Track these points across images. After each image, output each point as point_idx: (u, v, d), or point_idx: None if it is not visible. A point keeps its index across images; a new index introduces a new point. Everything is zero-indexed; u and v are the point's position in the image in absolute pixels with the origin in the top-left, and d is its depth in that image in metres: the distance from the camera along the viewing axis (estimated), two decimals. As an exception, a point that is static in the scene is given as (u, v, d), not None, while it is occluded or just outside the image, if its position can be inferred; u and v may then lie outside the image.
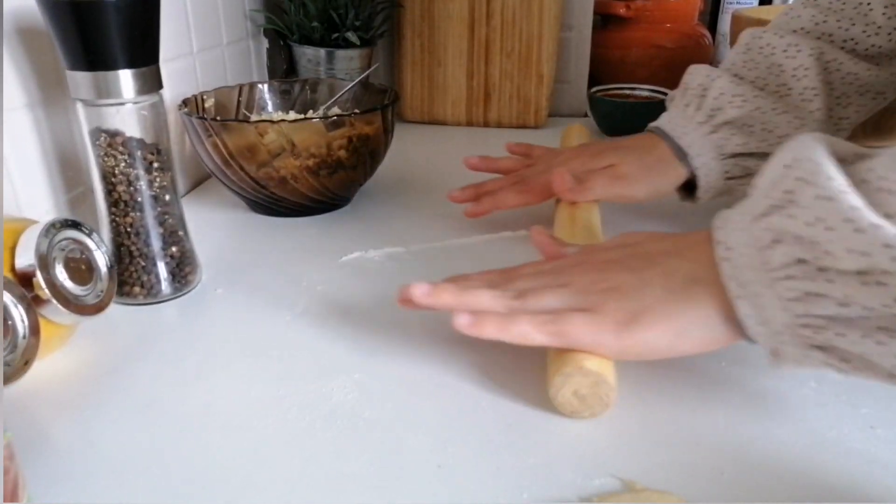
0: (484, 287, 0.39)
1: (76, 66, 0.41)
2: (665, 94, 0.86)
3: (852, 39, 0.52)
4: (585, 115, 0.94)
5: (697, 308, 0.34)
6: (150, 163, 0.45)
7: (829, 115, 0.52)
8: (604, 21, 1.07)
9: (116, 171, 0.45)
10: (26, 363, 0.35)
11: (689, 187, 0.56)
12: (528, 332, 0.36)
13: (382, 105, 0.60)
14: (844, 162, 0.30)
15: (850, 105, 0.53)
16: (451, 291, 0.38)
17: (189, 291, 0.49)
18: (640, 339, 0.35)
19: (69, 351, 0.42)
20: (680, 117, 0.56)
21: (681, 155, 0.54)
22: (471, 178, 0.71)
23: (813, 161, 0.29)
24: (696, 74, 0.57)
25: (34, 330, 0.35)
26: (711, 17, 1.15)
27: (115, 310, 0.46)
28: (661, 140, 0.56)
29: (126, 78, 0.42)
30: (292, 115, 0.67)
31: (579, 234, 0.51)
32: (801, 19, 0.54)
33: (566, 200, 0.55)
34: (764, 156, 0.53)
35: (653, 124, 0.58)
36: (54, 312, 0.38)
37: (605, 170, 0.56)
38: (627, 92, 0.89)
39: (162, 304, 0.48)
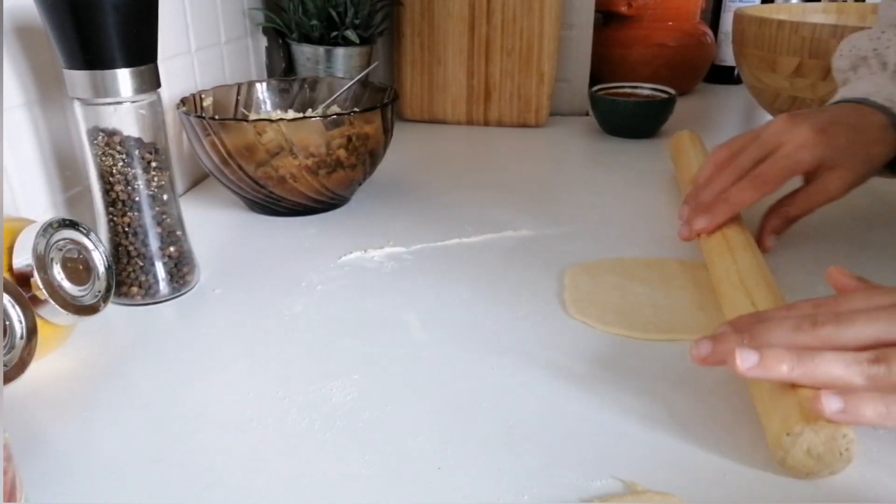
0: (826, 349, 0.31)
1: (73, 64, 0.41)
2: (667, 92, 0.86)
3: None
4: (586, 114, 0.94)
5: None
6: (148, 162, 0.45)
7: None
8: (605, 19, 1.07)
9: (114, 171, 0.44)
10: (24, 363, 0.35)
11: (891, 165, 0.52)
12: (874, 418, 0.29)
13: (382, 104, 0.60)
14: None
15: None
16: (787, 359, 0.30)
17: (187, 291, 0.49)
18: None
19: (67, 351, 0.42)
20: (890, 85, 0.51)
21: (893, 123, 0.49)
22: (472, 176, 0.71)
23: None
24: (885, 40, 0.54)
25: (32, 330, 0.35)
26: (713, 15, 1.15)
27: (113, 310, 0.46)
28: (870, 110, 0.50)
29: (124, 77, 0.42)
30: (291, 114, 0.66)
31: (739, 254, 0.46)
32: None
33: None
34: None
35: (847, 95, 0.53)
36: (52, 313, 0.37)
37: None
38: (629, 90, 0.89)
39: (160, 304, 0.48)
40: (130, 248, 0.46)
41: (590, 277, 0.50)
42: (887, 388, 0.29)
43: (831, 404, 0.29)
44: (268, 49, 0.85)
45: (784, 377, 0.30)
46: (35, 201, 0.49)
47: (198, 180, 0.72)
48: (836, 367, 0.30)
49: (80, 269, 0.40)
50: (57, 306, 0.37)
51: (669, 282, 0.49)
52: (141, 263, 0.47)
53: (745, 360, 0.30)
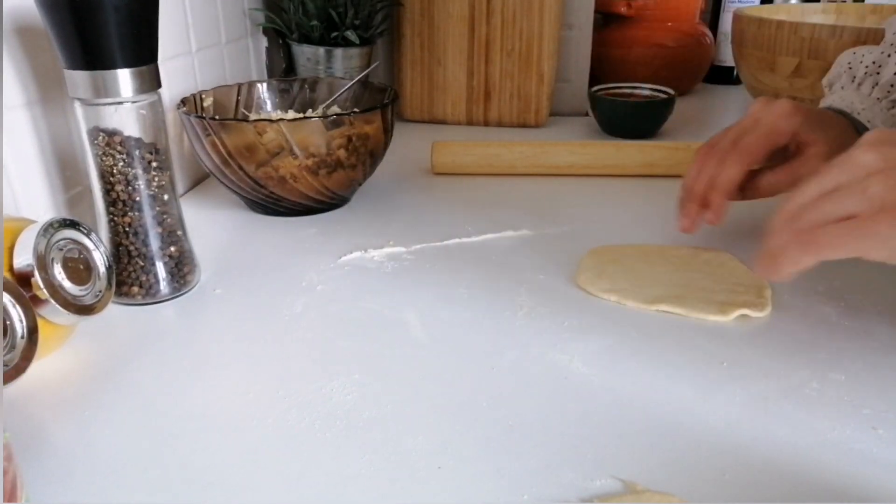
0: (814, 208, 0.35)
1: (74, 65, 0.41)
2: (667, 92, 0.86)
3: None
4: (586, 115, 0.94)
5: None
6: (149, 162, 0.45)
7: None
8: (605, 20, 1.07)
9: (115, 171, 0.44)
10: (24, 363, 0.35)
11: None
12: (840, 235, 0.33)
13: (382, 104, 0.60)
14: None
15: None
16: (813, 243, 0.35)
17: (188, 291, 0.49)
18: None
19: (67, 351, 0.42)
20: (854, 95, 0.54)
21: (863, 131, 0.51)
22: (472, 176, 0.71)
23: None
24: (860, 54, 0.56)
25: (32, 330, 0.35)
26: (713, 15, 1.15)
27: (114, 310, 0.46)
28: (837, 117, 0.52)
29: (124, 77, 0.42)
30: (291, 115, 0.66)
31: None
32: None
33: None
34: None
35: (826, 104, 0.56)
36: (52, 312, 0.37)
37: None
38: (629, 91, 0.89)
39: (160, 304, 0.48)
40: (131, 247, 0.46)
41: (603, 256, 0.53)
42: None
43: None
44: (268, 49, 0.85)
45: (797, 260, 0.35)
46: (36, 201, 0.49)
47: (198, 180, 0.72)
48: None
49: (80, 268, 0.40)
50: (58, 306, 0.37)
51: (686, 263, 0.52)
52: (141, 263, 0.47)
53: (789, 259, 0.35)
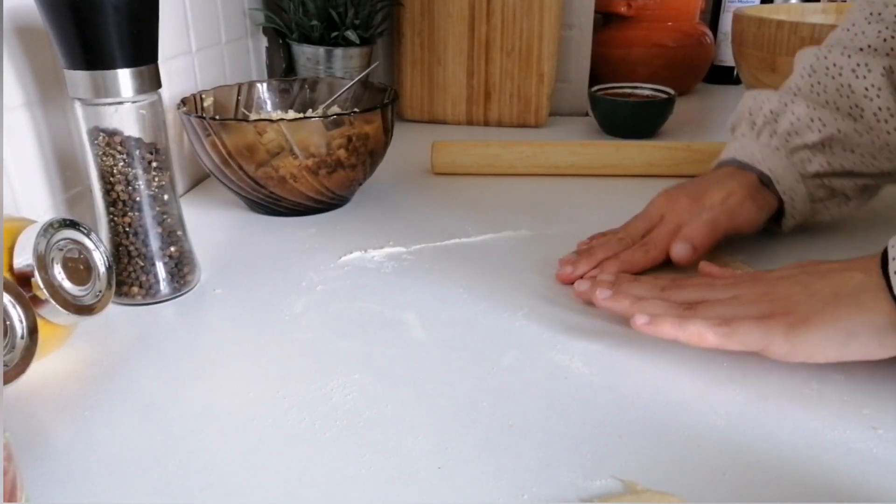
0: (657, 295, 0.43)
1: (74, 65, 0.41)
2: (667, 92, 0.86)
3: None
4: (586, 115, 0.94)
5: (867, 313, 0.36)
6: (149, 162, 0.45)
7: None
8: (605, 19, 1.07)
9: (115, 171, 0.44)
10: (24, 363, 0.35)
11: (774, 216, 0.55)
12: (702, 332, 0.38)
13: (382, 104, 0.60)
14: None
15: None
16: (629, 301, 0.42)
17: (188, 291, 0.49)
18: (810, 339, 0.36)
19: (67, 351, 0.42)
20: (753, 145, 0.55)
21: (766, 181, 0.53)
22: (472, 176, 0.71)
23: None
24: (760, 100, 0.56)
25: (32, 330, 0.35)
26: (713, 15, 1.15)
27: (114, 310, 0.46)
28: (741, 171, 0.54)
29: (124, 77, 0.42)
30: (291, 115, 0.66)
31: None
32: (866, 36, 0.52)
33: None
34: (850, 174, 0.53)
35: (724, 157, 0.57)
36: (52, 313, 0.37)
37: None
38: (629, 91, 0.89)
39: (160, 304, 0.48)
40: (131, 248, 0.46)
41: None
42: (679, 311, 0.40)
43: (640, 318, 0.40)
44: (268, 49, 0.85)
45: (625, 310, 0.42)
46: (36, 201, 0.49)
47: (198, 180, 0.72)
48: (659, 307, 0.41)
49: (80, 268, 0.40)
50: (57, 306, 0.37)
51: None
52: (141, 263, 0.47)
53: (603, 294, 0.44)
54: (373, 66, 0.73)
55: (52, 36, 0.41)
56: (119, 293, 0.47)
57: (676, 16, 1.05)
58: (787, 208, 0.53)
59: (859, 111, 0.51)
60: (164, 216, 0.47)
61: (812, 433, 0.35)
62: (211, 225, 0.61)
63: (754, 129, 0.56)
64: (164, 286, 0.48)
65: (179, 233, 0.48)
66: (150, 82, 0.44)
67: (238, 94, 0.66)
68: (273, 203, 0.61)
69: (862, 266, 0.38)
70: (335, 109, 0.67)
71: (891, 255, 0.36)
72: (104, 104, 0.43)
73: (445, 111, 0.92)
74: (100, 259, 0.42)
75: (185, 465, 0.33)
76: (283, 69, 0.88)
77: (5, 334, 0.34)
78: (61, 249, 0.39)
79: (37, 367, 0.36)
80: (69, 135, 0.52)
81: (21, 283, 0.36)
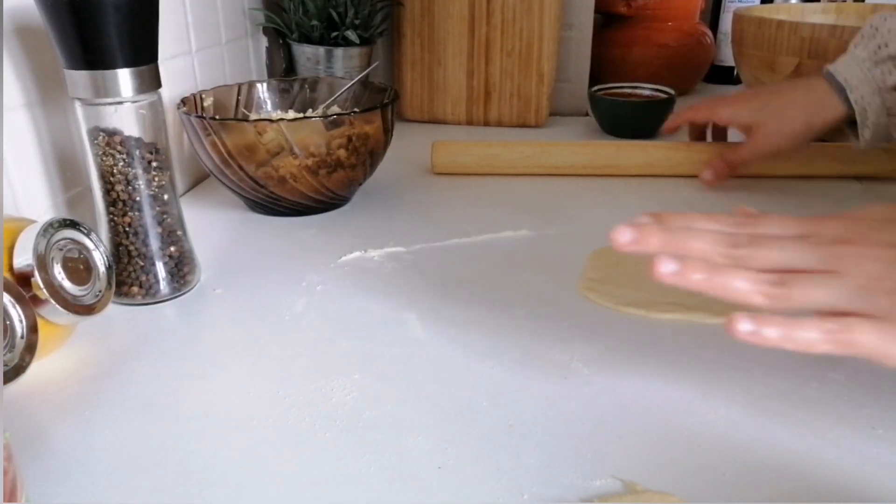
0: (737, 267, 0.32)
1: (74, 65, 0.41)
2: (667, 92, 0.86)
3: None
4: (586, 115, 0.94)
5: None
6: (149, 162, 0.45)
7: None
8: (605, 20, 1.07)
9: (115, 171, 0.44)
10: (24, 363, 0.35)
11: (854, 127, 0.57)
12: (814, 341, 0.30)
13: (382, 104, 0.60)
14: None
15: None
16: (702, 270, 0.31)
17: (188, 291, 0.49)
18: None
19: (67, 351, 0.42)
20: (847, 57, 0.57)
21: (839, 90, 0.55)
22: (472, 176, 0.71)
23: None
24: (874, 19, 0.59)
25: (32, 330, 0.35)
26: (713, 15, 1.15)
27: (114, 310, 0.46)
28: (822, 79, 0.57)
29: (124, 77, 0.42)
30: (291, 114, 0.66)
31: None
32: None
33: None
34: None
35: (831, 69, 0.60)
36: (52, 312, 0.37)
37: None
38: (629, 91, 0.89)
39: (160, 304, 0.48)
40: (131, 247, 0.46)
41: (605, 259, 0.53)
42: (785, 310, 0.30)
43: (744, 325, 0.30)
44: (268, 49, 0.85)
45: (694, 285, 0.31)
46: (36, 201, 0.49)
47: (198, 180, 0.72)
48: (741, 284, 0.31)
49: (80, 268, 0.40)
50: (57, 306, 0.37)
51: None
52: (141, 263, 0.47)
53: (666, 266, 0.31)
54: (373, 66, 0.73)
55: (52, 36, 0.41)
56: (119, 293, 0.47)
57: (676, 16, 1.05)
58: (858, 118, 0.54)
59: None
60: (164, 216, 0.47)
61: (812, 433, 0.35)
62: (211, 225, 0.61)
63: (854, 43, 0.58)
64: (164, 286, 0.48)
65: (179, 233, 0.48)
66: (150, 82, 0.44)
67: (238, 94, 0.66)
68: (273, 203, 0.61)
69: None
70: (335, 109, 0.67)
71: None
72: (104, 104, 0.43)
73: (445, 111, 0.92)
74: (100, 259, 0.42)
75: (185, 465, 0.33)
76: (283, 69, 0.88)
77: (5, 334, 0.34)
78: (61, 249, 0.39)
79: (37, 367, 0.36)
80: (69, 135, 0.52)
81: (21, 283, 0.36)
